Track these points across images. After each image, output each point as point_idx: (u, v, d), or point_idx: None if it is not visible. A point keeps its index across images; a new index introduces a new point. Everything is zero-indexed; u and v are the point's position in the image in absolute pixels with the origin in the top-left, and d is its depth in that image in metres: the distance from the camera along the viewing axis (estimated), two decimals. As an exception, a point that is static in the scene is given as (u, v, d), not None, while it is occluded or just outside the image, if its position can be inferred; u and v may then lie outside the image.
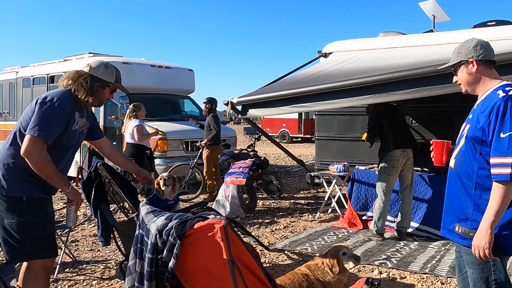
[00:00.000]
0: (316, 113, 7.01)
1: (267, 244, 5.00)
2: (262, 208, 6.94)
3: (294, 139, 22.22)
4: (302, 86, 4.74)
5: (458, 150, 2.17)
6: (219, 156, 7.62)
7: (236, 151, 8.53)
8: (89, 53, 9.91)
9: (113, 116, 8.34)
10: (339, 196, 6.35)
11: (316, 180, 6.75)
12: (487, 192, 2.01)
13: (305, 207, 7.07)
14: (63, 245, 4.28)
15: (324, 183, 6.34)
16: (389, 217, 5.41)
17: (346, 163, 6.23)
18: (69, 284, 3.85)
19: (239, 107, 5.28)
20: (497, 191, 1.93)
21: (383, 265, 4.31)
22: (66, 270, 4.20)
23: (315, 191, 8.30)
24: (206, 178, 7.35)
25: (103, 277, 4.04)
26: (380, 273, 4.12)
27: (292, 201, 7.51)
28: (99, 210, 3.26)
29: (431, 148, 2.45)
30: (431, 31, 6.55)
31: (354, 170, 5.95)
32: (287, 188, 8.61)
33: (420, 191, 5.44)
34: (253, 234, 5.44)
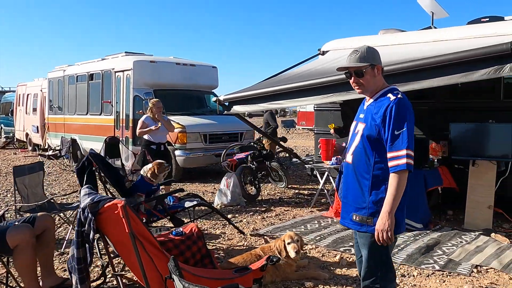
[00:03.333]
0: (315, 108, 7.23)
1: (252, 229, 5.42)
2: (265, 198, 7.35)
3: None
4: (277, 85, 5.10)
5: (355, 147, 2.45)
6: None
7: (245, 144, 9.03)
8: (125, 52, 10.67)
9: (140, 111, 9.12)
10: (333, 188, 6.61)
11: (314, 172, 7.03)
12: (382, 182, 2.32)
13: (305, 197, 7.39)
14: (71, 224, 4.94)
15: (318, 175, 6.63)
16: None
17: (340, 157, 6.42)
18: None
19: (226, 103, 5.74)
20: (394, 180, 2.23)
21: (347, 251, 4.56)
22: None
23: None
24: None
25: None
26: (342, 258, 4.34)
27: (296, 191, 7.87)
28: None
29: (318, 146, 2.84)
30: (430, 27, 6.53)
31: (343, 163, 6.14)
32: (297, 180, 8.95)
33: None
34: (244, 220, 5.89)
